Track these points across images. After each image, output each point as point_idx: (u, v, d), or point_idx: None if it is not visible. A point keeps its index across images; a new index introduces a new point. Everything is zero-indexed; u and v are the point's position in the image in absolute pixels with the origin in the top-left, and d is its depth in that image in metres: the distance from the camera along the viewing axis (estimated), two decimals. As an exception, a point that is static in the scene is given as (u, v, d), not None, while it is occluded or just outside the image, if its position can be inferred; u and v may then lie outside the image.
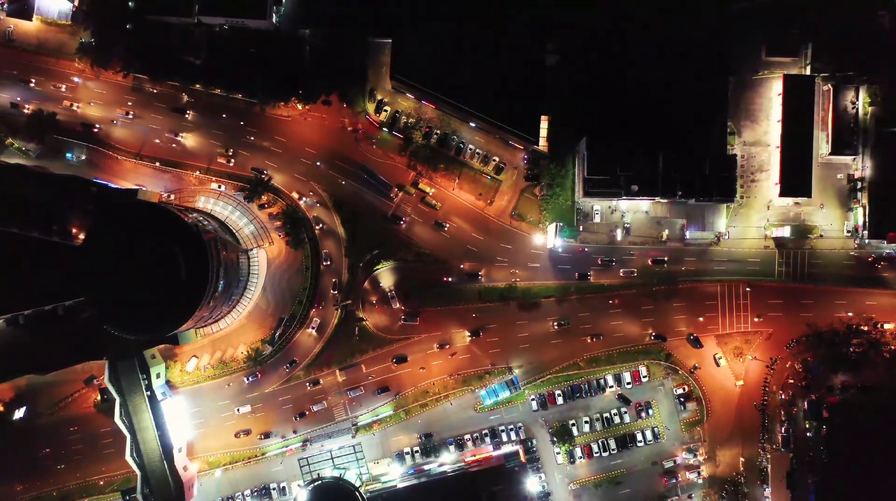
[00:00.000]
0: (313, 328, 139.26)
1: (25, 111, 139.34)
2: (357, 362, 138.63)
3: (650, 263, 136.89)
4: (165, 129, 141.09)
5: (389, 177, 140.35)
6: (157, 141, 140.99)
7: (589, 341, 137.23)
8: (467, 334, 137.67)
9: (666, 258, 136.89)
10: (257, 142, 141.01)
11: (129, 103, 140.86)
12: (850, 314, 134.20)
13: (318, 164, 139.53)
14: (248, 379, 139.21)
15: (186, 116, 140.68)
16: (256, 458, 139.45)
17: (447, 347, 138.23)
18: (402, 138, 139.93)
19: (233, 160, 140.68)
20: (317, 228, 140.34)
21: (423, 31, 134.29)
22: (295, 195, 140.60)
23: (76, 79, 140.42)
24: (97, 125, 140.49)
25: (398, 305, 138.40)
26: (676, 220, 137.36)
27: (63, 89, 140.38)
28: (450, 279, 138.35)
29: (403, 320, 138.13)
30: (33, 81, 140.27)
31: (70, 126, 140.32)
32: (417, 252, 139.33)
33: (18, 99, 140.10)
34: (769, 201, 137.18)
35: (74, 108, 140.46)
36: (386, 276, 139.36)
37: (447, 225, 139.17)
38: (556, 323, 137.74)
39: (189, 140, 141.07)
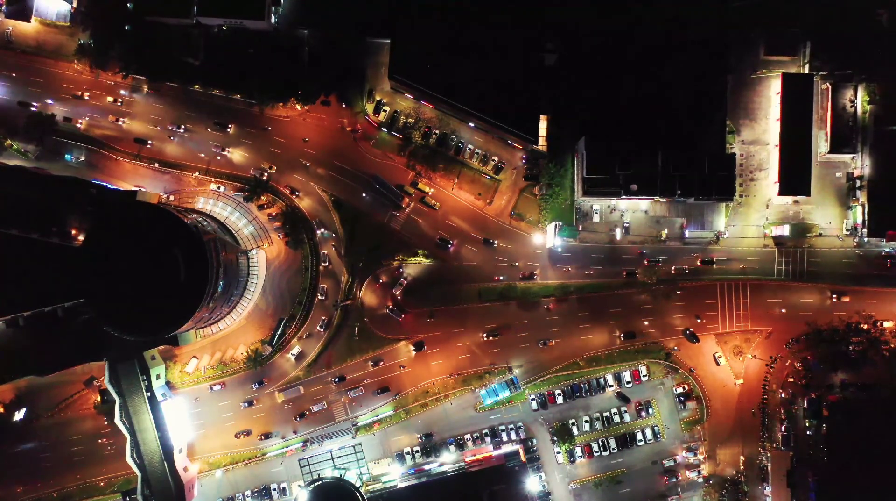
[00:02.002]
0: (293, 354, 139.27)
1: (78, 126, 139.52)
2: (296, 384, 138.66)
3: (699, 263, 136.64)
4: (213, 143, 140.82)
5: (389, 177, 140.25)
6: (203, 155, 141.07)
7: (540, 346, 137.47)
8: (412, 347, 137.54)
9: (714, 258, 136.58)
10: (294, 157, 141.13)
11: (180, 118, 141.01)
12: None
13: (365, 195, 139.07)
14: (212, 389, 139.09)
15: (228, 130, 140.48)
16: (257, 459, 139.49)
17: (381, 363, 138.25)
18: (401, 138, 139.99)
19: (265, 174, 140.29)
20: (323, 265, 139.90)
21: (421, 31, 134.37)
22: (314, 223, 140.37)
23: (123, 91, 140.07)
24: (150, 142, 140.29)
25: (398, 292, 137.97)
26: (676, 219, 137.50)
27: (120, 104, 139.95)
28: (500, 278, 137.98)
29: (388, 309, 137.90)
30: (87, 94, 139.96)
31: (118, 143, 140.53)
32: (416, 252, 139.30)
33: (88, 117, 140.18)
34: (768, 199, 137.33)
35: (120, 123, 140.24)
36: (414, 267, 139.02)
37: (496, 242, 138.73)
38: (485, 334, 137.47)
39: (235, 155, 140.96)
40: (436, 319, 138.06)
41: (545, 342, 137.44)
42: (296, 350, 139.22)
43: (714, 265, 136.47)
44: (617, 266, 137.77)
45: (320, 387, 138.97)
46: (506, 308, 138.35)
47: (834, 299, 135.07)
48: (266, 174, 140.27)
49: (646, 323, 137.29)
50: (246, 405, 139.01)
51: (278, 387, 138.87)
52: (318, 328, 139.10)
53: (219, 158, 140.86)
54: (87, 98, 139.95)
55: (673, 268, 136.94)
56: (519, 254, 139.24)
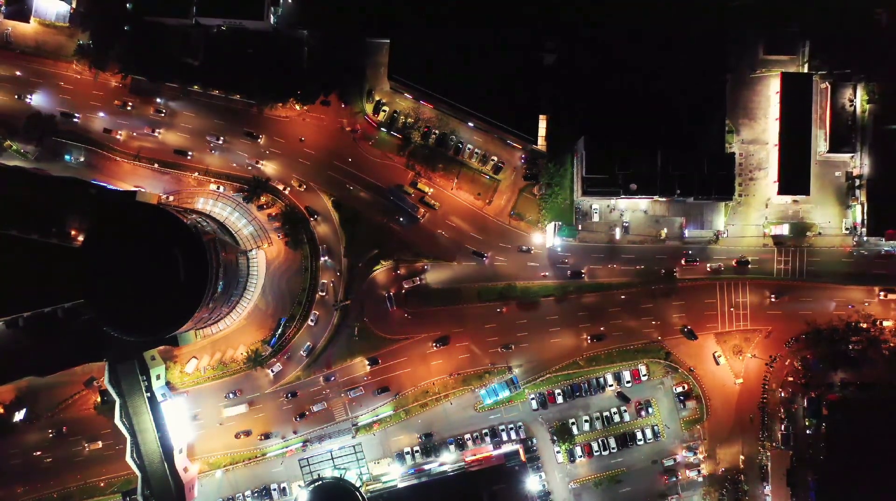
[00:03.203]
0: (272, 370, 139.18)
1: (118, 138, 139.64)
2: (248, 400, 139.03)
3: (734, 263, 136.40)
4: (249, 154, 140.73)
5: (388, 177, 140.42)
6: (234, 164, 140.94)
7: (499, 350, 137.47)
8: (367, 362, 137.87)
9: (750, 259, 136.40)
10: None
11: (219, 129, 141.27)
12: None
13: (403, 220, 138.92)
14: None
15: (258, 140, 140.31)
16: (257, 459, 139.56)
17: (333, 379, 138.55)
18: (401, 138, 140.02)
19: (288, 188, 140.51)
20: (320, 293, 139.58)
21: (420, 31, 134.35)
22: (320, 249, 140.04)
23: (163, 100, 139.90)
24: (190, 153, 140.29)
25: (408, 285, 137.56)
26: (675, 218, 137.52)
27: (163, 114, 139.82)
28: (546, 275, 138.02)
29: (386, 295, 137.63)
30: (130, 104, 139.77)
31: (157, 155, 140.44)
32: (416, 252, 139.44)
33: (127, 128, 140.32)
34: (768, 198, 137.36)
35: (156, 134, 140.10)
36: (437, 272, 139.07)
37: (532, 249, 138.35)
38: (434, 344, 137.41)
39: (268, 168, 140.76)
40: (412, 319, 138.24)
41: (509, 346, 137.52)
42: (276, 368, 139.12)
43: (749, 266, 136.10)
44: (703, 263, 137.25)
45: (272, 403, 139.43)
46: (505, 307, 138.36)
47: (773, 299, 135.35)
48: (289, 189, 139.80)
49: (633, 324, 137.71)
50: (191, 418, 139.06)
51: (226, 404, 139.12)
52: (301, 352, 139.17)
53: (249, 167, 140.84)
54: (129, 109, 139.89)
55: (708, 266, 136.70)
56: (518, 254, 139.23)
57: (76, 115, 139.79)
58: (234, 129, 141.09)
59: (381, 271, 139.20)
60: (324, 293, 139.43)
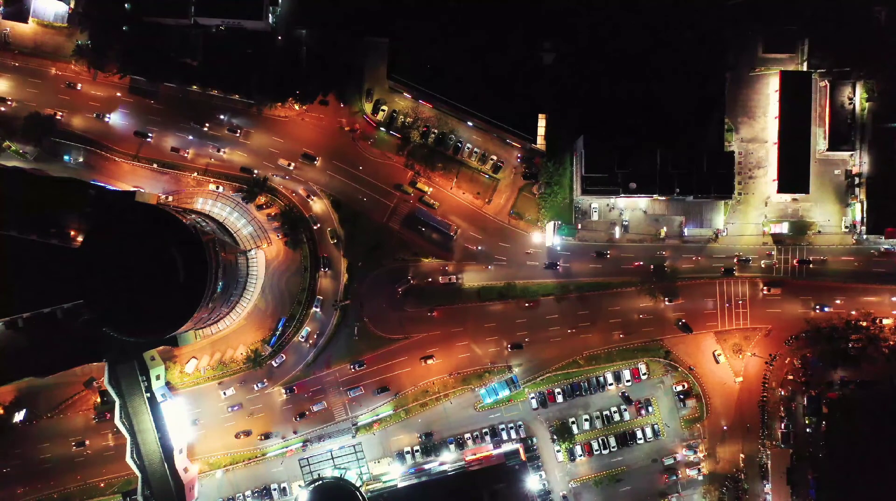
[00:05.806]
0: (224, 393, 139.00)
1: (185, 156, 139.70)
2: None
3: (795, 263, 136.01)
4: (311, 183, 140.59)
5: (388, 176, 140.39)
6: (286, 191, 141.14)
7: (421, 363, 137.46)
8: (284, 391, 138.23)
9: (811, 259, 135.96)
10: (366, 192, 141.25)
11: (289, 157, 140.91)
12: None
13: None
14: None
15: (315, 163, 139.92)
16: (257, 459, 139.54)
17: (238, 407, 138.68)
18: (400, 138, 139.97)
19: (335, 240, 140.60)
20: (300, 339, 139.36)
21: (420, 31, 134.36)
22: (317, 299, 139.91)
23: (226, 116, 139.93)
24: (255, 170, 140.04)
25: (443, 279, 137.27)
26: (674, 217, 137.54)
27: (238, 134, 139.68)
28: (640, 264, 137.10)
29: (409, 279, 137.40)
30: (207, 125, 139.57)
31: (226, 170, 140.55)
32: (415, 252, 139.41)
33: (205, 149, 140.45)
34: (767, 197, 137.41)
35: (221, 153, 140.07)
36: (472, 277, 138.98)
37: (608, 253, 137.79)
38: (352, 365, 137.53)
39: (317, 205, 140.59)
40: (411, 319, 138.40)
41: (427, 358, 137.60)
42: (230, 391, 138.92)
43: (811, 266, 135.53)
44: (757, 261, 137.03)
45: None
46: (505, 307, 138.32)
47: (667, 302, 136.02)
48: (318, 225, 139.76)
49: (621, 335, 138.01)
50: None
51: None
52: (255, 386, 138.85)
53: (294, 194, 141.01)
54: (206, 129, 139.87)
55: (762, 263, 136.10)
56: (518, 253, 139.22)
57: (150, 134, 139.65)
58: (298, 150, 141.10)
59: (431, 262, 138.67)
60: (303, 340, 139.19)
